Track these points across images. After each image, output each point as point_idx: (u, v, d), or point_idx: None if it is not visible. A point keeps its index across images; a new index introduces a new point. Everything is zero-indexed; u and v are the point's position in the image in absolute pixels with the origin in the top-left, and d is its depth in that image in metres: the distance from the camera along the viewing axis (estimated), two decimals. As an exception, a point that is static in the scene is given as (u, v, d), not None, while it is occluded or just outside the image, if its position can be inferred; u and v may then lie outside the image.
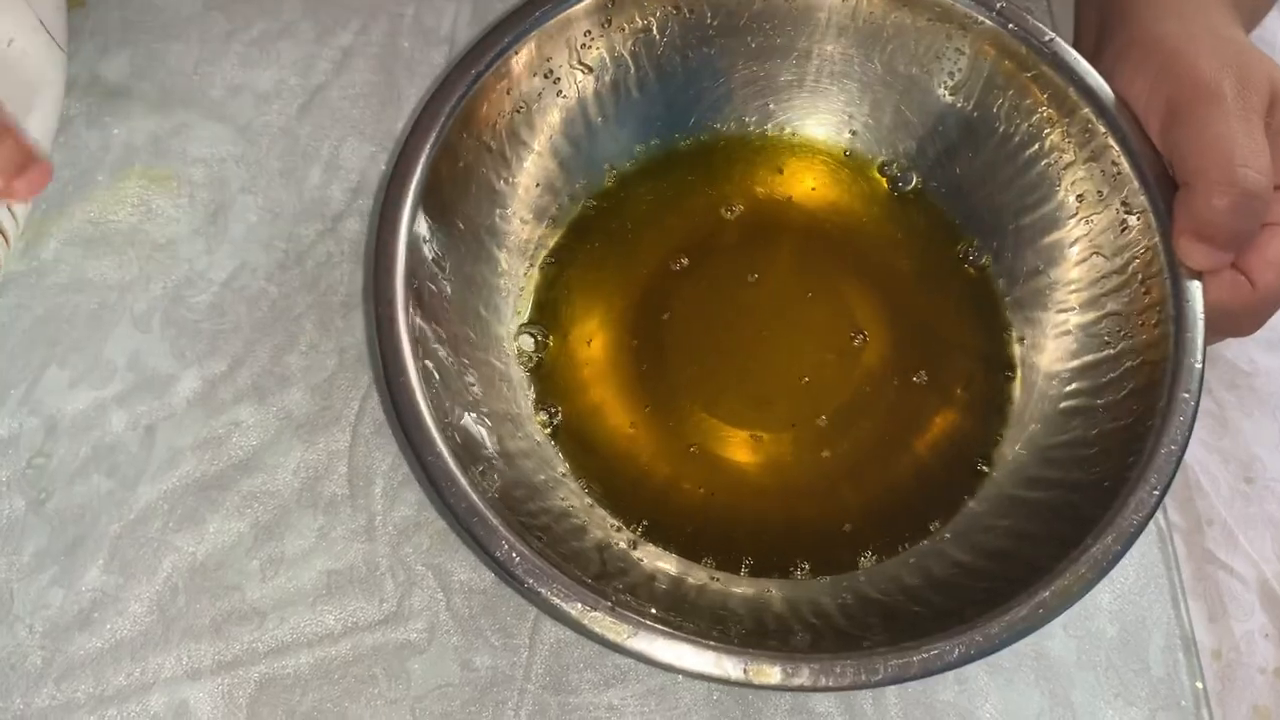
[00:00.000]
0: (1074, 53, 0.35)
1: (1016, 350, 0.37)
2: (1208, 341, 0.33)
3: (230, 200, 0.39)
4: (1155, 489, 0.31)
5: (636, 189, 0.39)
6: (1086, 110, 0.35)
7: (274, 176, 0.40)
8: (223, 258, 0.39)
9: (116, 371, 0.37)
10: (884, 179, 0.40)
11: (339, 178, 0.40)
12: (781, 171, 0.40)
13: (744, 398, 0.37)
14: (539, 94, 0.36)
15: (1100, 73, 0.35)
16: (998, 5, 0.36)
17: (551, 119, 0.37)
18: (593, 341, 0.37)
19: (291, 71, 0.42)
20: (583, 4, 0.35)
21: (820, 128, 0.40)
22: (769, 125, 0.40)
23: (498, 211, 0.37)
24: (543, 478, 0.34)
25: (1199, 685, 0.35)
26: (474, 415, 0.33)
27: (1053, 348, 0.37)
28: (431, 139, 0.33)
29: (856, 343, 0.37)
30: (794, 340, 0.38)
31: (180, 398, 0.37)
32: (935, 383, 0.37)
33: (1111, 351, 0.35)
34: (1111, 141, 0.35)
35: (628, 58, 0.37)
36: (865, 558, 0.35)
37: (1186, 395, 0.32)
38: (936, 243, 0.39)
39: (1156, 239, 0.34)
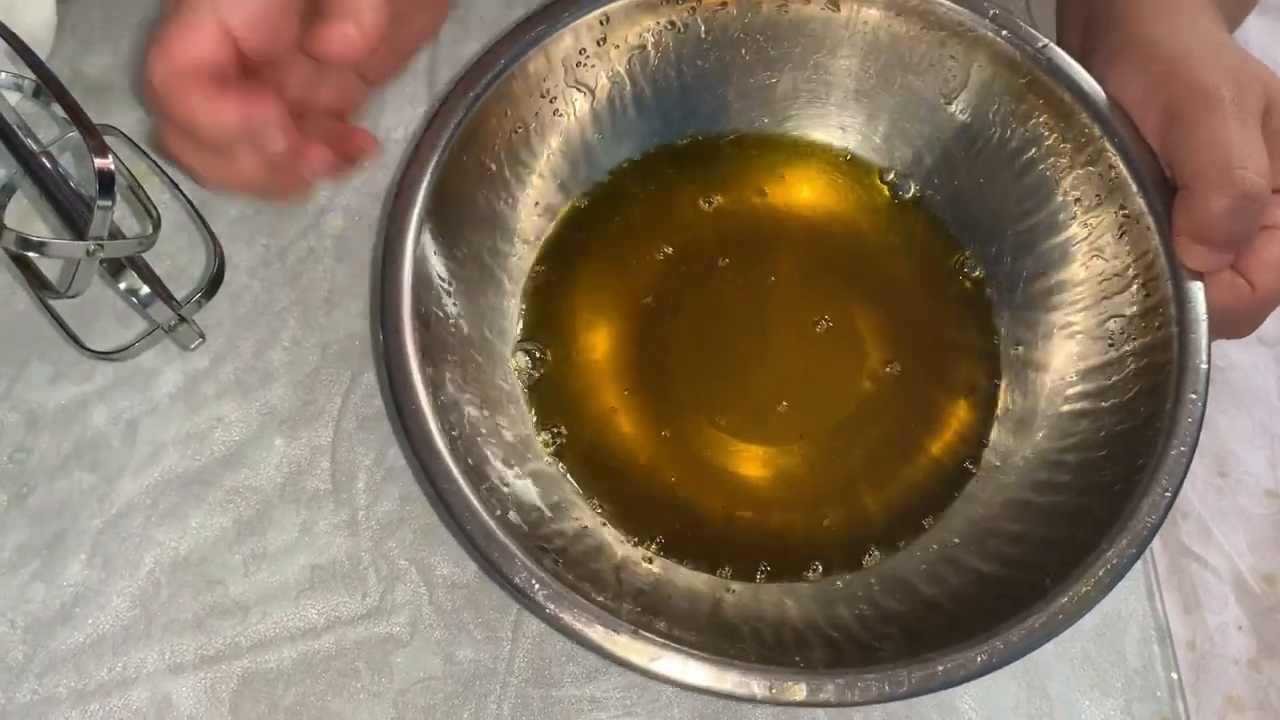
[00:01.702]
0: (1069, 58, 0.35)
1: (1013, 353, 0.37)
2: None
3: (211, 196, 0.39)
4: (1167, 490, 0.31)
5: (632, 199, 0.39)
6: (1083, 115, 0.35)
7: (257, 172, 0.40)
8: (205, 253, 0.39)
9: (98, 366, 0.37)
10: (884, 186, 0.40)
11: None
12: (780, 180, 0.40)
13: (747, 408, 0.37)
14: (537, 114, 0.36)
15: (1092, 75, 0.35)
16: (991, 13, 0.36)
17: (550, 138, 0.37)
18: (593, 357, 0.37)
19: (274, 67, 0.42)
20: (578, 23, 0.35)
21: (818, 137, 0.40)
22: (766, 135, 0.40)
23: (499, 232, 0.37)
24: (556, 499, 0.35)
25: (1174, 676, 0.36)
26: (485, 440, 0.33)
27: (1057, 351, 0.37)
28: (434, 162, 0.33)
29: (849, 351, 0.38)
30: (793, 350, 0.38)
31: (163, 393, 0.37)
32: (932, 387, 0.37)
33: (1115, 354, 0.35)
34: (1108, 145, 0.35)
35: (624, 74, 0.37)
36: (870, 555, 0.35)
37: (1194, 396, 0.32)
38: (935, 250, 0.39)
39: (1156, 241, 0.34)
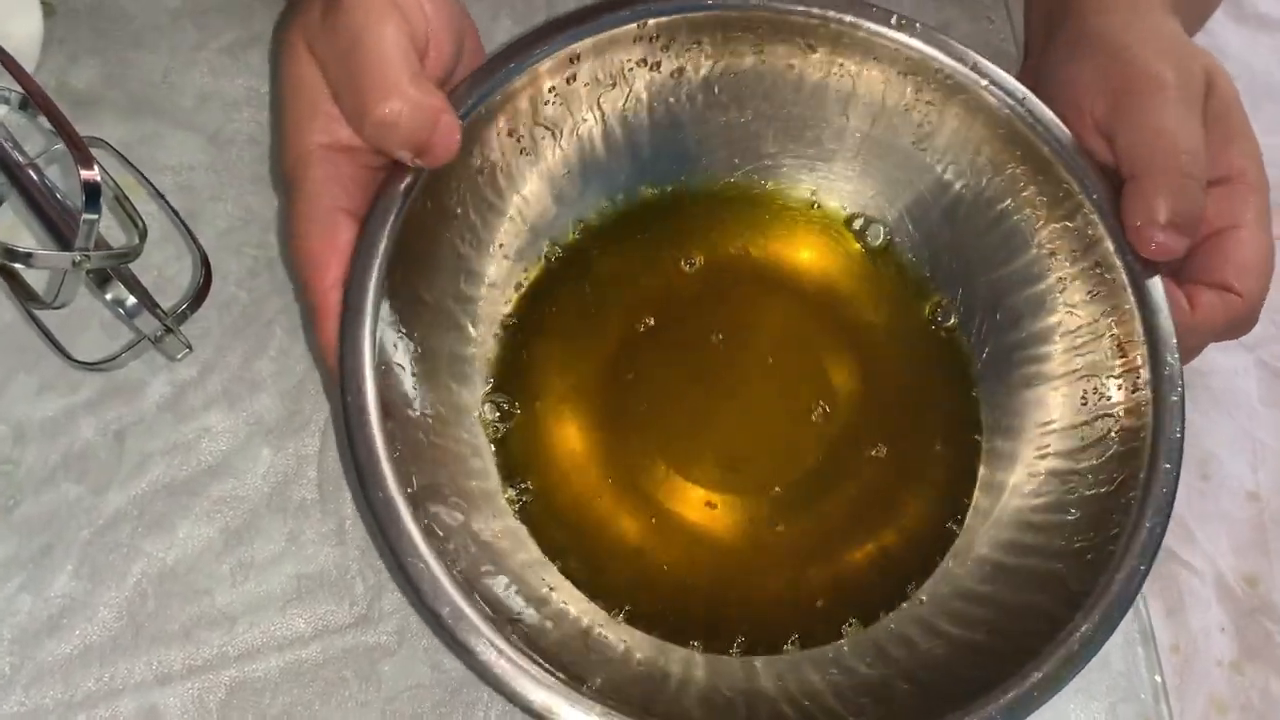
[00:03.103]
0: (1049, 112, 0.35)
1: (983, 412, 0.37)
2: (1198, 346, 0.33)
3: (200, 207, 0.39)
4: (1141, 565, 0.30)
5: (601, 246, 0.38)
6: (1061, 169, 0.35)
7: (244, 183, 0.40)
8: (192, 264, 0.39)
9: (86, 377, 0.37)
10: (851, 234, 0.39)
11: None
12: (751, 229, 0.39)
13: (718, 464, 0.36)
14: (503, 153, 0.35)
15: (1048, 65, 0.35)
16: (972, 61, 0.35)
17: (518, 179, 0.36)
18: (560, 409, 0.36)
19: (262, 80, 0.42)
20: (546, 62, 0.34)
21: (787, 181, 0.39)
22: (735, 179, 0.39)
23: (463, 277, 0.35)
24: (523, 557, 0.34)
25: (1158, 679, 0.36)
26: (448, 500, 0.32)
27: (1026, 409, 0.36)
28: (395, 208, 0.32)
29: (819, 409, 0.37)
30: (765, 404, 0.37)
31: (150, 403, 0.37)
32: (904, 448, 0.37)
33: (1089, 415, 0.34)
34: (1086, 202, 0.34)
35: (593, 115, 0.36)
36: (848, 626, 0.34)
37: (1168, 466, 0.31)
38: (905, 300, 0.38)
39: (1132, 301, 0.33)
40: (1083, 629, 0.30)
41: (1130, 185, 0.34)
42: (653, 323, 0.37)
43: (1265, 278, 0.35)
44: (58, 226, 0.33)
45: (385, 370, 0.31)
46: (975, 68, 0.35)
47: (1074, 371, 0.35)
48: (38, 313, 0.35)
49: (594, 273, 0.38)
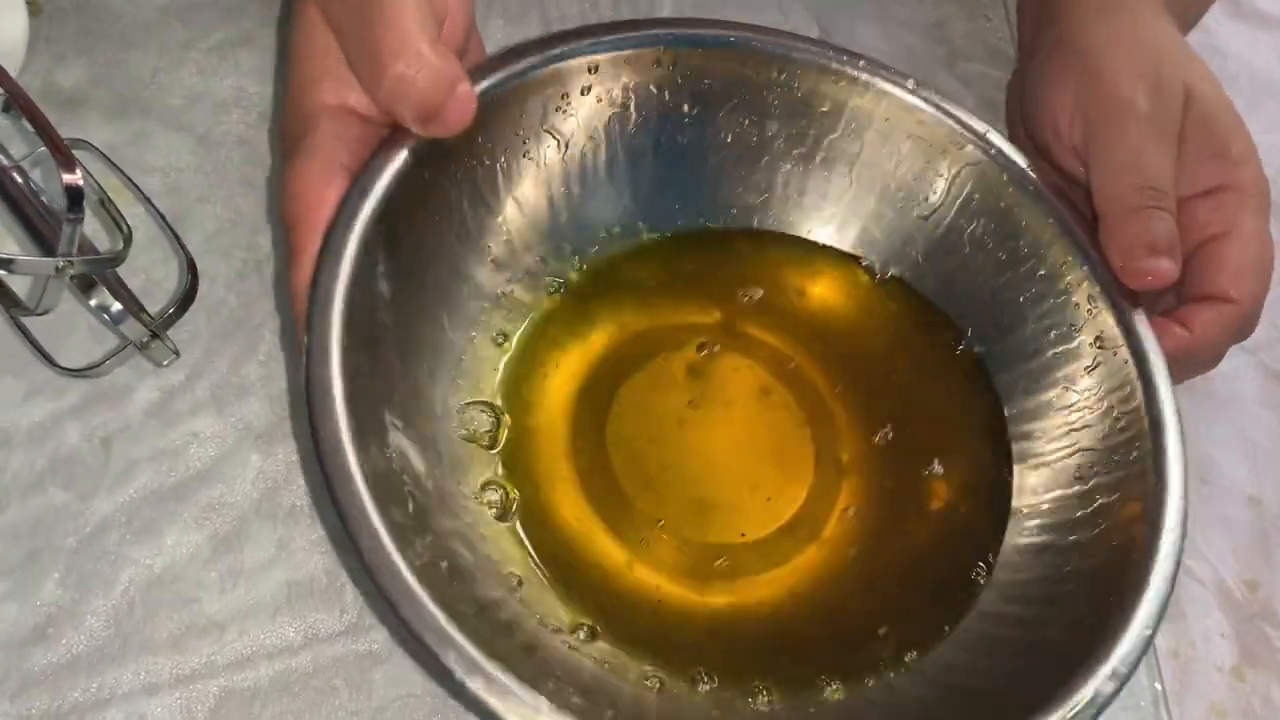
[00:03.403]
0: (1050, 189, 0.35)
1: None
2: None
3: (188, 209, 0.39)
4: (1147, 629, 0.29)
5: (600, 277, 0.37)
6: (1065, 242, 0.34)
7: (233, 185, 0.40)
8: (179, 267, 0.38)
9: (72, 382, 0.36)
10: (863, 271, 0.39)
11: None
12: (755, 264, 0.38)
13: (705, 505, 0.35)
14: (506, 151, 0.34)
15: (1032, 75, 0.35)
16: (985, 132, 0.35)
17: (515, 182, 0.35)
18: (549, 419, 0.35)
19: (252, 80, 0.42)
20: (567, 64, 0.34)
21: (798, 221, 0.38)
22: (740, 218, 0.38)
23: (446, 267, 0.34)
24: (502, 568, 0.32)
25: (1157, 686, 0.36)
26: (420, 491, 0.31)
27: (1022, 480, 0.35)
28: (390, 169, 0.31)
29: (819, 449, 0.36)
30: (758, 446, 0.36)
31: (137, 409, 0.36)
32: (914, 493, 0.36)
33: (1084, 488, 0.34)
34: (1088, 277, 0.34)
35: (601, 131, 0.36)
36: (831, 687, 0.32)
37: (1172, 536, 0.30)
38: (918, 340, 0.38)
39: (1133, 373, 0.33)
40: (1084, 690, 0.29)
41: (1101, 226, 0.34)
42: (651, 353, 0.37)
43: (1263, 278, 0.34)
44: (41, 231, 0.32)
45: (360, 310, 0.30)
46: (985, 140, 0.35)
47: (1073, 443, 0.34)
48: (22, 319, 0.34)
49: (592, 303, 0.37)
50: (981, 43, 0.45)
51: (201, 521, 0.35)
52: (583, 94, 0.35)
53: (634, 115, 0.36)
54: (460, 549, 0.31)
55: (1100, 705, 0.29)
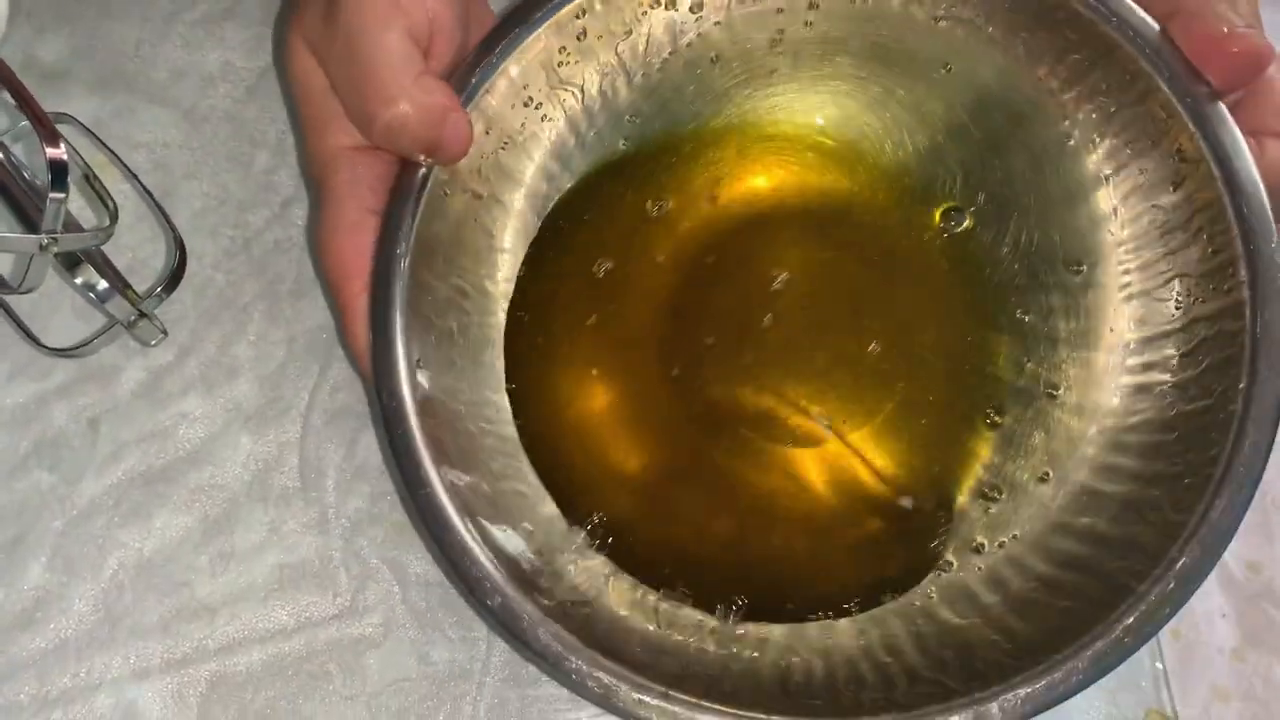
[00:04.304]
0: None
1: (1060, 324, 0.34)
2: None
3: (174, 186, 0.38)
4: (1244, 490, 0.28)
5: (622, 184, 0.36)
6: (1128, 50, 0.31)
7: (220, 161, 0.39)
8: (167, 245, 0.37)
9: (58, 362, 0.36)
10: (871, 154, 0.36)
11: (287, 162, 0.39)
12: (769, 156, 0.37)
13: (772, 401, 0.35)
14: (522, 124, 0.34)
15: None
16: None
17: (540, 145, 0.35)
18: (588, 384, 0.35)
19: (238, 53, 0.41)
20: (552, 21, 0.33)
21: (800, 108, 0.36)
22: (745, 110, 0.36)
23: (485, 256, 0.34)
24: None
25: (1159, 666, 0.35)
26: (488, 496, 0.31)
27: (1115, 317, 0.33)
28: (410, 205, 0.31)
29: (869, 341, 0.35)
30: (808, 337, 0.36)
31: (125, 389, 0.36)
32: (974, 367, 0.35)
33: (1180, 321, 0.32)
34: (1160, 83, 0.31)
35: (614, 64, 0.35)
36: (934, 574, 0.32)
37: (1271, 375, 0.29)
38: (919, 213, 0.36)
39: (1221, 189, 0.30)
40: (1180, 563, 0.28)
41: (1175, 21, 0.31)
42: (712, 259, 0.36)
43: None
44: (24, 208, 0.32)
45: (421, 363, 0.30)
46: None
47: (1163, 272, 0.32)
48: (6, 297, 0.34)
49: (618, 209, 0.36)
50: None
51: (191, 504, 0.35)
52: (580, 39, 0.34)
53: (641, 36, 0.34)
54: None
55: (1198, 574, 0.28)
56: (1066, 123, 0.34)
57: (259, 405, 0.36)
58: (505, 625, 0.28)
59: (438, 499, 0.29)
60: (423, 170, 0.31)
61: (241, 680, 0.33)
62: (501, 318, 0.34)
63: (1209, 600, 0.36)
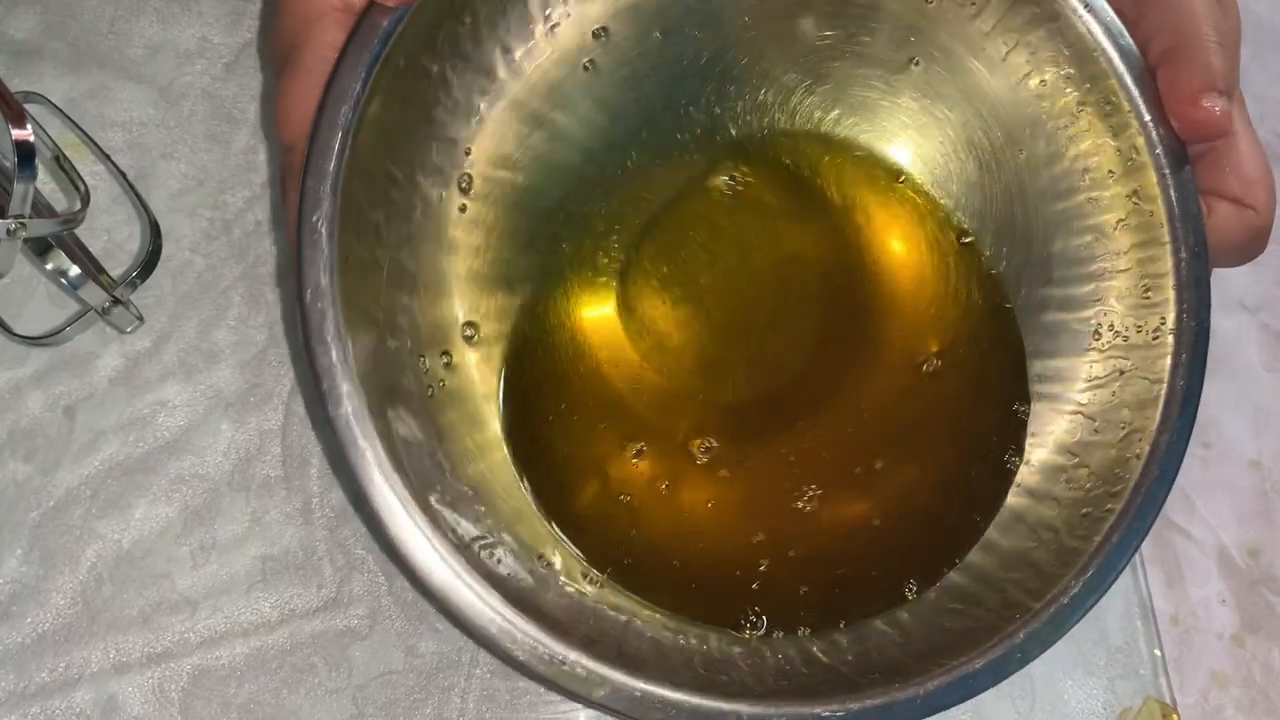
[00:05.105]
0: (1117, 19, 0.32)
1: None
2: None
3: (151, 166, 0.37)
4: (1138, 525, 0.29)
5: (608, 141, 0.34)
6: (1110, 82, 0.32)
7: (198, 140, 0.38)
8: (143, 228, 0.36)
9: (32, 350, 0.35)
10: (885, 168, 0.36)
11: (268, 141, 0.38)
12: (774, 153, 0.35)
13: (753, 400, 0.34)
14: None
15: None
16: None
17: (504, 32, 0.32)
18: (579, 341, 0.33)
19: (215, 28, 0.40)
20: None
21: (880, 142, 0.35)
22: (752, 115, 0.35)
23: (435, 147, 0.31)
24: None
25: (1157, 653, 0.35)
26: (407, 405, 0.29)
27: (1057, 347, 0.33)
28: (362, 76, 0.28)
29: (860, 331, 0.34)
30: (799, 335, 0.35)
31: (101, 376, 0.35)
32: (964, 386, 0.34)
33: (1100, 355, 0.32)
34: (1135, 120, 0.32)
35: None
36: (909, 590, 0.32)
37: (1181, 422, 0.29)
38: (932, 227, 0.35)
39: (1166, 237, 0.31)
40: (1073, 589, 0.28)
41: (1167, 61, 0.31)
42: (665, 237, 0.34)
43: (1273, 193, 0.33)
44: (-9, 191, 0.30)
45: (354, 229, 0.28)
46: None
47: (1096, 301, 0.33)
48: (-24, 283, 0.33)
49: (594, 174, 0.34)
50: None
51: (171, 494, 0.34)
52: None
53: None
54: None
55: (1087, 601, 0.29)
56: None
57: (240, 392, 0.35)
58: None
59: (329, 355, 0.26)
60: (385, 24, 0.28)
61: (224, 674, 0.32)
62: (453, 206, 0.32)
63: (1208, 586, 0.36)
